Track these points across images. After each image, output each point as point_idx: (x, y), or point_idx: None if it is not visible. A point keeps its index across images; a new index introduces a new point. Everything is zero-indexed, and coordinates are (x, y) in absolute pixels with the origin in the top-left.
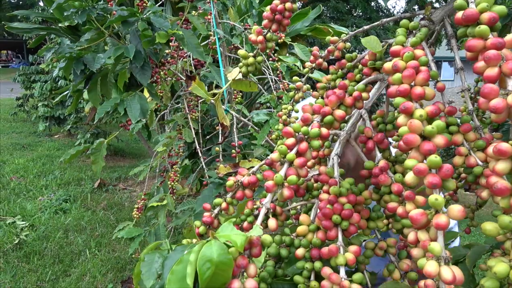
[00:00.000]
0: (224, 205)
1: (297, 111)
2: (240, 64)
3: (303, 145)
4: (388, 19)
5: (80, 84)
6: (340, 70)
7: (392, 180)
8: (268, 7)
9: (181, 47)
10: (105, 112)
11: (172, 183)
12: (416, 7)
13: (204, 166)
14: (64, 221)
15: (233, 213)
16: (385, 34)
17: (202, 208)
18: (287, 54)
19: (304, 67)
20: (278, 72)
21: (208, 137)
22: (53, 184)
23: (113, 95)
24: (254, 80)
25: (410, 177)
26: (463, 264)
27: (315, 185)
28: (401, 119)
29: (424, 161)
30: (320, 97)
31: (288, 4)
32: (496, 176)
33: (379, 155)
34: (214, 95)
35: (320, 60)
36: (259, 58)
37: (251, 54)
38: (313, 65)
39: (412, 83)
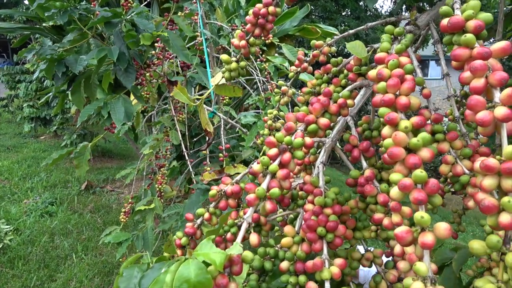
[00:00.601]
0: (207, 215)
1: (283, 117)
2: (223, 69)
3: (286, 155)
4: (374, 23)
5: (63, 86)
6: (325, 74)
7: (378, 190)
8: (251, 11)
9: (167, 49)
10: (88, 115)
11: (160, 186)
12: (403, 7)
13: (191, 170)
14: (50, 225)
15: (216, 223)
16: (374, 33)
17: None
18: (276, 54)
19: (291, 71)
20: (266, 73)
21: (196, 139)
22: (39, 186)
23: (99, 96)
24: (242, 82)
25: (395, 192)
26: (450, 267)
27: (300, 193)
28: (386, 130)
29: (410, 175)
30: (305, 102)
31: (271, 8)
32: (483, 192)
33: (364, 164)
34: (198, 99)
35: (305, 64)
36: (242, 63)
37: (234, 59)
38: (298, 69)
39: (397, 92)
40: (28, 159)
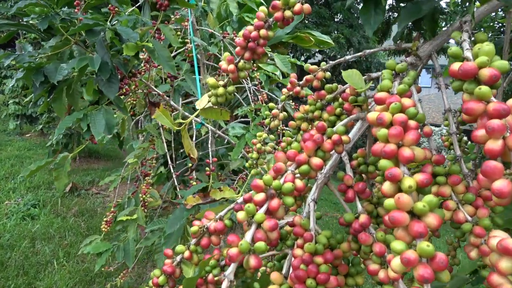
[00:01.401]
0: (187, 253)
1: (273, 139)
2: (209, 93)
3: (275, 202)
4: (372, 50)
5: (43, 94)
6: (319, 100)
7: (374, 238)
8: (240, 33)
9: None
10: (67, 127)
11: (144, 196)
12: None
13: (176, 183)
14: (32, 229)
15: (198, 262)
16: (366, 43)
17: (172, 231)
18: (267, 60)
19: (283, 94)
20: (257, 82)
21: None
22: (22, 187)
23: (87, 97)
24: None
25: (396, 264)
26: None
27: (288, 228)
28: (387, 187)
29: (416, 240)
30: (297, 128)
31: (262, 32)
32: (500, 276)
33: (360, 207)
34: (181, 123)
35: (298, 88)
36: (230, 88)
37: (221, 83)
38: (290, 93)
39: (400, 142)
40: (12, 158)
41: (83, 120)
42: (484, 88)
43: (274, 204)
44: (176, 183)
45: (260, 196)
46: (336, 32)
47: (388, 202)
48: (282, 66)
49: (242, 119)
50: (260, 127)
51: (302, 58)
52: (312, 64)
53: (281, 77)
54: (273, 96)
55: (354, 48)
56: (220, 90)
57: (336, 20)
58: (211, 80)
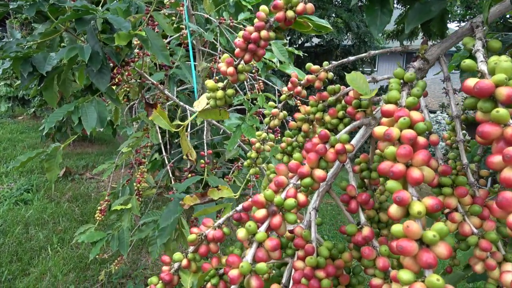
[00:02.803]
0: (185, 262)
1: (272, 139)
2: (208, 95)
3: (276, 220)
4: (377, 51)
5: (31, 83)
6: (321, 102)
7: (377, 252)
8: (240, 33)
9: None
10: (57, 121)
11: (138, 185)
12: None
13: (170, 176)
14: (25, 214)
15: (196, 270)
16: (365, 27)
17: (166, 224)
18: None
19: (283, 93)
20: (254, 70)
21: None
22: (15, 171)
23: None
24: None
25: None
26: None
27: (288, 235)
28: (395, 210)
29: (425, 272)
30: (297, 128)
31: (263, 33)
32: None
33: (363, 218)
34: (179, 126)
35: (299, 88)
36: (229, 91)
37: (220, 85)
38: (291, 92)
39: (409, 162)
40: (4, 141)
41: (74, 112)
42: (502, 111)
43: (276, 222)
44: (170, 173)
45: (261, 213)
46: (334, 15)
47: (396, 228)
48: (280, 55)
49: (237, 107)
50: (256, 116)
51: (299, 42)
52: (309, 48)
53: (278, 64)
54: (270, 83)
55: (352, 32)
56: (219, 93)
57: (334, 3)
58: (210, 82)
